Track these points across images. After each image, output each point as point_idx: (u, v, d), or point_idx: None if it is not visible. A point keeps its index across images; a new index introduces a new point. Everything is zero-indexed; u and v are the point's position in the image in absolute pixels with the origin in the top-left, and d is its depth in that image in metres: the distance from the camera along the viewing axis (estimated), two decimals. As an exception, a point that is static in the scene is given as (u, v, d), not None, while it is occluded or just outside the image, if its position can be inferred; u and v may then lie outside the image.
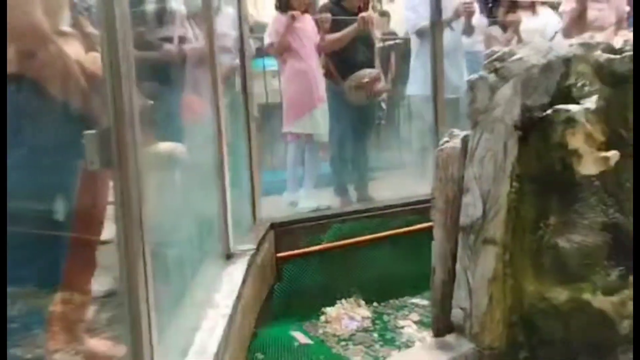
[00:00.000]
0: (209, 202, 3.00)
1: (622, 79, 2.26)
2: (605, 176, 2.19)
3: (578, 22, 5.19)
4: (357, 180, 5.10)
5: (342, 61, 4.91)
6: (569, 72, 2.22)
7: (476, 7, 5.14)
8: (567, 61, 2.23)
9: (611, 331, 2.23)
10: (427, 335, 3.34)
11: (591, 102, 2.15)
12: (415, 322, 3.72)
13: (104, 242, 2.42)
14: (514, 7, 5.82)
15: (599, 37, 2.45)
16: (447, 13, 4.74)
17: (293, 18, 4.77)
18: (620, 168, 2.21)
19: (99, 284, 2.52)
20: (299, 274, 3.87)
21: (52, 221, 1.99)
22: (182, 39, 3.11)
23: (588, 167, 2.13)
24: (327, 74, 5.02)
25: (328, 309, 3.84)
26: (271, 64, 5.84)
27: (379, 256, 4.11)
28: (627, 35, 2.43)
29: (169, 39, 3.09)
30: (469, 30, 5.26)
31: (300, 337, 3.52)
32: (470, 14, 5.04)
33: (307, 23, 4.96)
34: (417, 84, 5.14)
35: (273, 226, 3.79)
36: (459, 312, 2.26)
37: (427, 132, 4.80)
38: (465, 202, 2.25)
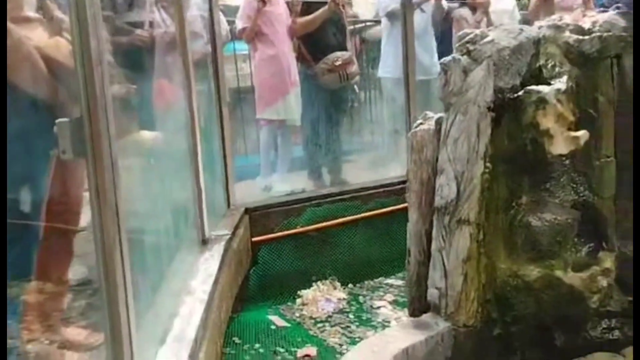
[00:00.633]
0: (183, 188, 2.98)
1: (591, 60, 2.30)
2: (574, 155, 2.24)
3: (545, 3, 5.26)
4: (331, 163, 5.11)
5: (314, 44, 4.88)
6: (539, 53, 2.25)
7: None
8: (537, 42, 2.26)
9: (581, 306, 2.29)
10: (403, 315, 3.39)
11: (561, 83, 2.19)
12: (391, 303, 3.76)
13: (79, 231, 2.39)
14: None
15: (568, 18, 2.48)
16: (417, -5, 4.76)
17: (264, 3, 4.72)
18: (589, 147, 2.26)
19: (74, 272, 2.50)
20: (275, 258, 3.88)
21: (21, 211, 1.95)
22: (152, 24, 3.06)
23: (559, 146, 2.17)
24: (300, 58, 4.99)
25: (304, 292, 3.86)
26: (242, 47, 5.79)
27: (353, 238, 4.15)
28: (595, 16, 2.46)
29: (139, 24, 3.04)
30: (439, 11, 5.28)
31: (277, 321, 3.54)
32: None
33: (279, 6, 4.91)
34: (388, 67, 5.15)
35: (248, 211, 3.78)
36: (434, 292, 2.29)
37: (399, 114, 4.82)
38: (440, 183, 2.28)
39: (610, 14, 2.41)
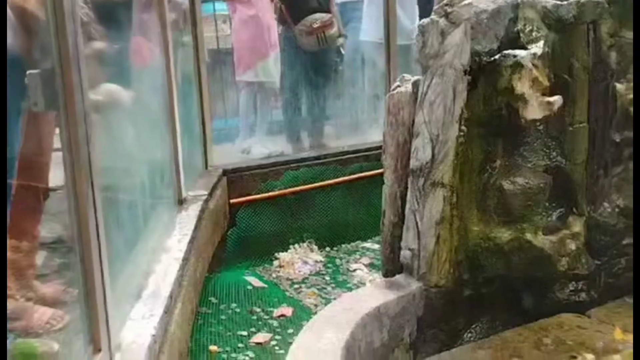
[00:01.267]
0: (159, 147, 2.97)
1: (568, 25, 2.31)
2: (548, 120, 2.26)
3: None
4: (310, 127, 5.10)
5: (295, 5, 4.81)
6: (517, 17, 2.25)
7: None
8: (515, 7, 2.26)
9: (550, 268, 2.34)
10: (378, 277, 3.43)
11: (538, 48, 2.20)
12: (367, 265, 3.82)
13: (51, 189, 2.38)
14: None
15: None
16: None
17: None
18: (562, 112, 2.28)
19: (49, 230, 2.49)
20: (253, 220, 3.91)
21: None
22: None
23: (533, 111, 2.19)
24: (281, 19, 4.94)
25: (281, 254, 3.90)
26: (222, 8, 5.70)
27: (331, 202, 4.18)
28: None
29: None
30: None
31: (254, 281, 3.58)
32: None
33: (258, -35, 4.84)
34: (370, 30, 5.11)
35: (226, 173, 3.79)
36: (407, 253, 2.33)
37: (379, 79, 4.81)
38: (415, 146, 2.29)
39: (589, -20, 2.41)
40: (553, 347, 2.08)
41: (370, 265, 3.78)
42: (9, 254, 2.25)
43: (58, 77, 1.49)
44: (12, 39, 1.61)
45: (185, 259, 2.48)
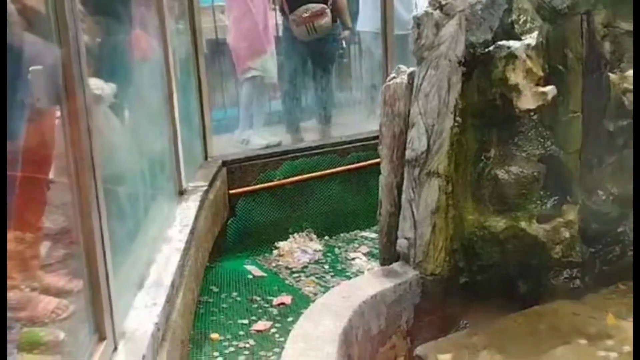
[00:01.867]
0: (159, 139, 3.00)
1: (562, 16, 2.33)
2: (542, 110, 2.29)
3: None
4: (308, 117, 5.13)
5: (293, -5, 4.83)
6: (511, 8, 2.28)
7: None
8: (510, -2, 2.29)
9: (545, 256, 2.38)
10: (377, 266, 3.47)
11: (532, 39, 2.23)
12: (365, 254, 3.86)
13: (53, 181, 2.41)
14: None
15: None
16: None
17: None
18: (556, 102, 2.31)
19: (51, 221, 2.53)
20: (252, 210, 3.94)
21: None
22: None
23: (527, 101, 2.22)
24: (281, 10, 4.95)
25: (281, 243, 3.94)
26: (220, -1, 5.71)
27: (330, 192, 4.21)
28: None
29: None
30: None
31: (254, 270, 3.63)
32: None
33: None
34: (367, 20, 5.13)
35: (225, 163, 3.82)
36: (404, 242, 2.37)
37: (376, 69, 4.83)
38: (411, 136, 2.33)
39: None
40: (547, 333, 2.12)
41: (369, 254, 3.82)
42: (13, 246, 2.29)
43: (59, 71, 1.52)
44: (14, 34, 1.64)
45: (186, 249, 2.52)
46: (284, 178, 4.03)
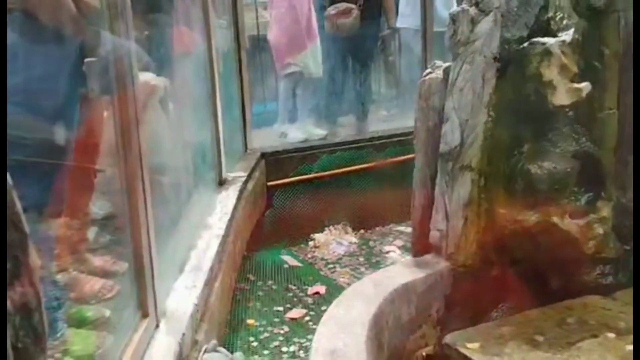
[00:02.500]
0: (202, 131, 3.11)
1: (599, 13, 2.34)
2: (577, 107, 2.30)
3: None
4: (347, 112, 5.19)
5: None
6: (547, 5, 2.30)
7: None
8: (546, -5, 2.30)
9: (577, 251, 2.39)
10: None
11: (567, 35, 2.24)
12: (400, 248, 3.92)
13: (101, 169, 2.54)
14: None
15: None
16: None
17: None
18: (592, 99, 2.32)
19: (99, 207, 2.66)
20: (289, 202, 4.04)
21: (55, 149, 2.08)
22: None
23: (561, 97, 2.24)
24: (322, 6, 5.03)
25: (317, 235, 4.03)
26: (262, -6, 5.82)
27: (366, 185, 4.28)
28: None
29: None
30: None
31: (290, 261, 3.73)
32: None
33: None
34: (407, 17, 5.16)
35: (264, 156, 3.92)
36: (436, 234, 2.42)
37: (415, 65, 4.86)
38: (445, 130, 2.37)
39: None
40: (576, 326, 2.14)
41: (403, 248, 3.88)
42: (62, 231, 2.43)
43: (112, 64, 1.62)
44: (73, 28, 1.75)
45: (225, 236, 2.63)
46: (321, 171, 4.11)
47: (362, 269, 3.61)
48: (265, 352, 2.65)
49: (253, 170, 3.60)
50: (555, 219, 2.35)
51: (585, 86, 2.25)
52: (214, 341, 2.11)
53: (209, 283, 2.26)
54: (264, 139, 4.46)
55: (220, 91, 3.24)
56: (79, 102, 1.78)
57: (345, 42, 4.97)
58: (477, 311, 2.38)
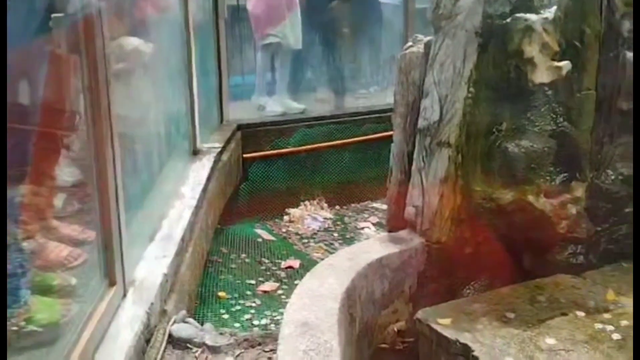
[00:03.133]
0: (176, 99, 3.04)
1: (582, -9, 2.32)
2: (556, 86, 2.29)
3: None
4: (325, 86, 5.14)
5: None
6: (531, -19, 2.27)
7: None
8: (530, -30, 2.27)
9: (550, 231, 2.40)
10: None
11: (550, 12, 2.22)
12: (375, 224, 3.92)
13: (68, 130, 2.45)
14: None
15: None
16: None
17: None
18: (571, 78, 2.31)
19: (67, 174, 2.59)
20: (265, 175, 4.00)
21: (18, 109, 2.00)
22: None
23: (541, 75, 2.22)
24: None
25: (292, 210, 4.00)
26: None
27: (343, 161, 4.26)
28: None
29: None
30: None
31: (264, 235, 3.70)
32: None
33: None
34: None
35: (240, 127, 3.86)
36: (411, 210, 2.40)
37: (396, 41, 4.82)
38: (424, 105, 2.34)
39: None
40: (546, 304, 2.15)
41: (378, 224, 3.88)
42: (28, 198, 2.35)
43: (80, 21, 1.55)
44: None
45: (198, 207, 2.58)
46: (299, 145, 4.07)
47: (337, 245, 3.60)
48: (236, 324, 2.63)
49: (228, 141, 3.55)
50: (530, 198, 2.35)
51: (565, 65, 2.24)
52: (183, 312, 2.08)
53: (179, 253, 2.22)
54: (241, 111, 4.39)
55: (197, 60, 3.16)
56: (45, 59, 1.70)
57: (322, 14, 4.90)
58: (450, 288, 2.38)
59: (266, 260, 3.33)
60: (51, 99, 2.01)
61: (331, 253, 3.42)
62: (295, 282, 3.03)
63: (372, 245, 2.36)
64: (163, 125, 2.73)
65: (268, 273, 3.19)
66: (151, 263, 2.07)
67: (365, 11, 5.22)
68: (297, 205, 4.07)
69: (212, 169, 3.03)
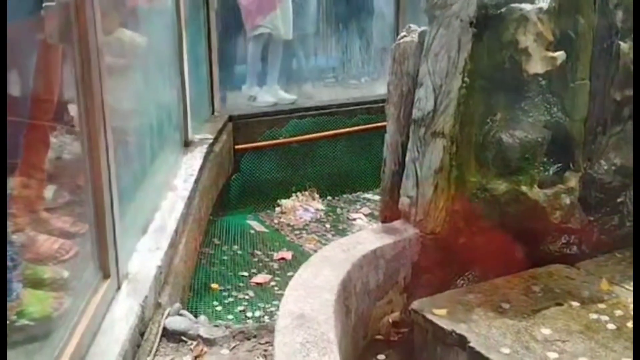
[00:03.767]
0: (168, 90, 3.01)
1: (576, -19, 2.31)
2: (551, 76, 2.29)
3: None
4: (317, 77, 5.12)
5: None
6: (526, -30, 2.26)
7: None
8: (525, -40, 2.26)
9: (544, 221, 2.41)
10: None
11: (545, 2, 2.21)
12: (367, 215, 3.92)
13: (58, 121, 2.42)
14: None
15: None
16: None
17: None
18: (565, 69, 2.31)
19: (56, 165, 2.55)
20: (257, 166, 3.98)
21: (7, 100, 1.97)
22: None
23: (536, 65, 2.22)
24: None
25: (283, 201, 3.99)
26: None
27: (335, 152, 4.24)
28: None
29: None
30: None
31: (256, 226, 3.68)
32: None
33: None
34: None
35: (232, 119, 3.84)
36: (405, 200, 2.40)
37: (388, 32, 4.80)
38: (418, 96, 2.33)
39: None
40: (541, 294, 2.16)
41: (370, 215, 3.87)
42: (18, 191, 2.32)
43: (73, 10, 1.52)
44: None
45: (190, 198, 2.56)
46: (290, 136, 4.05)
47: (329, 236, 3.60)
48: (230, 316, 2.62)
49: (220, 133, 3.52)
50: (524, 188, 2.36)
51: (559, 55, 2.24)
52: (177, 304, 2.06)
53: (173, 245, 2.20)
54: (232, 102, 4.37)
55: (188, 51, 3.13)
56: (36, 49, 1.67)
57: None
58: (444, 278, 2.38)
59: (259, 252, 3.32)
60: (41, 89, 1.98)
61: (324, 244, 3.42)
62: (288, 274, 3.03)
63: (367, 236, 2.35)
64: (155, 116, 2.70)
65: (261, 265, 3.18)
66: (145, 255, 2.05)
67: (356, 1, 5.20)
68: (289, 197, 4.05)
69: (204, 160, 3.00)
